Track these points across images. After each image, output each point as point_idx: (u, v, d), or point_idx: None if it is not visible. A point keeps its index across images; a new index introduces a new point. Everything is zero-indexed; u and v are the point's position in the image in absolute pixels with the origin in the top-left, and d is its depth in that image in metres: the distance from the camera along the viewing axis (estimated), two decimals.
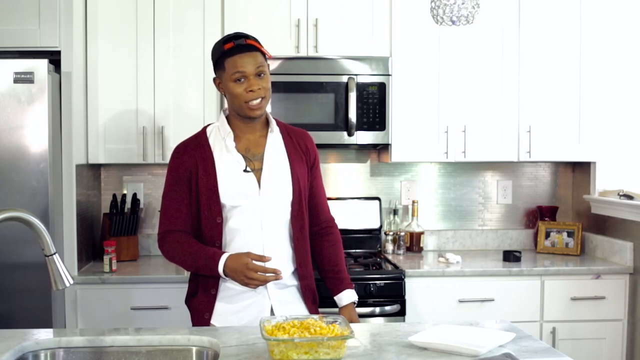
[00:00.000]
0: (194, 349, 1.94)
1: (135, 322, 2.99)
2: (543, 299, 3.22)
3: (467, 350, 1.76)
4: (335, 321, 1.80)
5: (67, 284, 1.84)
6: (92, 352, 1.94)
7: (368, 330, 2.07)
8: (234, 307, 2.24)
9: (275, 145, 2.29)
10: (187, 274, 3.18)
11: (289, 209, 2.27)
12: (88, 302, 3.04)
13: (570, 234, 3.63)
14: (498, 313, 3.14)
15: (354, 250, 3.63)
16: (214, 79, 2.30)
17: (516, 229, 3.86)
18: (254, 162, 2.25)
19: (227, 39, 2.25)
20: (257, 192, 2.23)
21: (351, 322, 2.20)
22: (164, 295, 3.04)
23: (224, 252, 2.18)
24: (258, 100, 2.20)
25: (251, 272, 2.13)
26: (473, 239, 3.83)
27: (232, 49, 2.21)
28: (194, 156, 2.28)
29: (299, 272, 2.31)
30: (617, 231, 3.45)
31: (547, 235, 3.68)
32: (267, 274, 2.16)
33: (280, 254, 2.24)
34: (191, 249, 2.22)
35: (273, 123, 2.30)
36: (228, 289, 2.25)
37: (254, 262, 2.15)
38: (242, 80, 2.19)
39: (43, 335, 1.98)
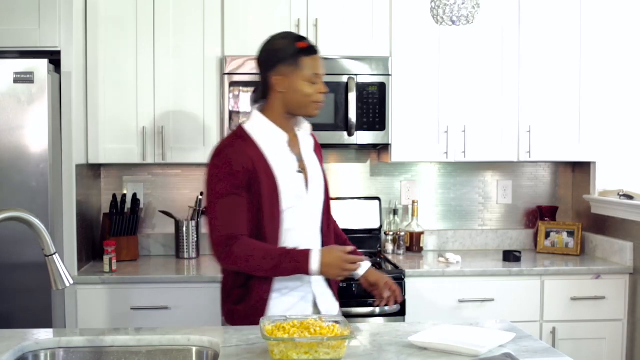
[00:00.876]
0: (194, 349, 1.94)
1: (135, 322, 2.99)
2: (543, 299, 3.22)
3: (467, 350, 1.76)
4: (335, 321, 1.80)
5: (67, 284, 1.84)
6: (92, 352, 1.94)
7: (368, 330, 2.07)
8: (285, 305, 2.21)
9: (305, 144, 2.32)
10: (191, 274, 3.19)
11: (322, 206, 2.32)
12: (88, 302, 3.04)
13: (570, 234, 3.63)
14: (498, 313, 3.14)
15: None
16: (271, 75, 2.26)
17: (516, 229, 3.86)
18: (302, 161, 2.27)
19: (296, 37, 2.28)
20: (305, 192, 2.25)
21: (379, 280, 2.27)
22: (164, 295, 3.04)
23: (311, 250, 2.13)
24: (322, 103, 2.28)
25: (347, 264, 2.15)
26: (473, 239, 3.83)
27: (309, 49, 2.24)
28: (249, 157, 2.18)
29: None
30: (617, 231, 3.44)
31: (547, 235, 3.68)
32: (357, 263, 2.20)
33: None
34: (270, 251, 2.14)
35: (303, 121, 2.32)
36: (280, 289, 2.21)
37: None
38: (316, 81, 2.24)
39: (43, 335, 1.98)
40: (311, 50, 2.25)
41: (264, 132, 2.24)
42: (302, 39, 2.28)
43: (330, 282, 2.33)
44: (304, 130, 2.33)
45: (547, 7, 3.46)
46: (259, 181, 2.16)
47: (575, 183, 3.85)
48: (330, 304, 2.31)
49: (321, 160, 2.38)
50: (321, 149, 2.41)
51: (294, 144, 2.28)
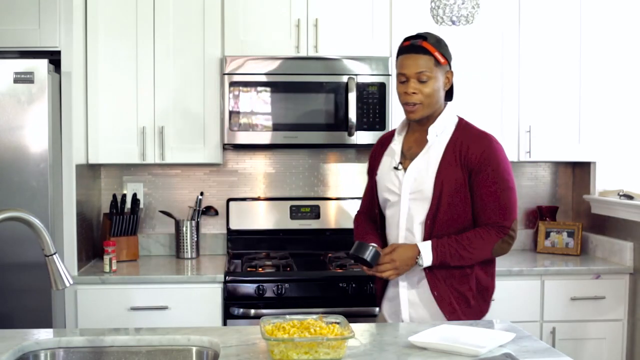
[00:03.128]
0: (194, 349, 1.95)
1: (135, 322, 2.99)
2: (543, 299, 3.22)
3: (467, 350, 1.76)
4: (336, 321, 1.80)
5: (67, 284, 1.84)
6: (92, 352, 1.94)
7: (368, 330, 2.07)
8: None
9: (435, 146, 2.28)
10: (191, 274, 3.19)
11: (426, 209, 2.25)
12: (88, 302, 3.04)
13: (570, 234, 3.62)
14: (498, 313, 3.13)
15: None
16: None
17: None
18: (408, 160, 2.30)
19: (408, 37, 2.30)
20: (399, 189, 2.29)
21: (395, 251, 2.21)
22: (164, 295, 3.04)
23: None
24: (412, 105, 2.25)
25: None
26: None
27: (405, 48, 2.26)
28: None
29: (427, 277, 2.27)
30: (617, 231, 3.44)
31: (547, 235, 3.68)
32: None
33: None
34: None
35: (435, 126, 2.28)
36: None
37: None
38: (404, 81, 2.25)
39: (43, 335, 1.98)
40: (407, 49, 2.26)
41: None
42: (411, 38, 2.28)
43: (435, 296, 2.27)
44: (433, 134, 2.28)
45: (547, 7, 3.46)
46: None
47: (575, 183, 3.85)
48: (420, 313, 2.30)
49: (476, 166, 2.22)
50: (484, 154, 2.24)
51: (420, 142, 2.31)
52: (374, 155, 2.48)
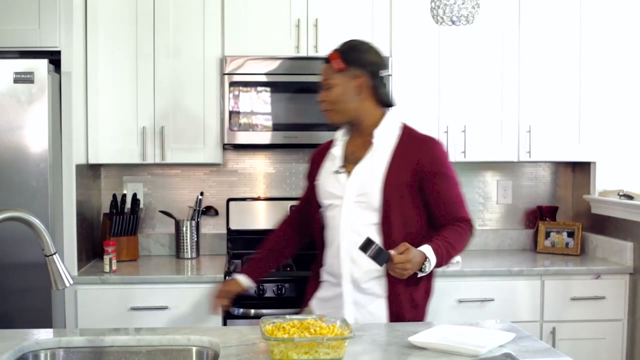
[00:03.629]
0: (194, 349, 1.95)
1: (135, 322, 2.99)
2: (543, 299, 3.22)
3: (467, 350, 1.76)
4: (335, 321, 1.81)
5: (67, 284, 1.84)
6: (92, 352, 1.94)
7: (368, 330, 2.07)
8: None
9: (380, 150, 2.27)
10: (191, 274, 3.18)
11: (375, 214, 2.23)
12: (88, 302, 3.04)
13: (570, 234, 3.63)
14: (498, 313, 3.14)
15: None
16: None
17: (516, 229, 3.86)
18: (352, 163, 2.29)
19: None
20: (342, 192, 2.27)
21: (405, 251, 2.07)
22: (164, 295, 3.04)
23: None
24: (325, 111, 2.31)
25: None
26: (473, 239, 3.81)
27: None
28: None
29: (386, 281, 2.25)
30: (617, 231, 3.44)
31: (547, 235, 3.68)
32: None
33: (359, 258, 2.16)
34: None
35: (380, 130, 2.28)
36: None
37: None
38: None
39: (43, 335, 1.98)
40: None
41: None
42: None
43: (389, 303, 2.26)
44: (378, 138, 2.28)
45: (547, 7, 3.46)
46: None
47: (575, 183, 3.85)
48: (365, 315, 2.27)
49: (428, 170, 2.23)
50: (433, 158, 2.26)
51: (363, 146, 2.30)
52: (314, 160, 2.46)
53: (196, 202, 3.57)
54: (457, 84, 3.44)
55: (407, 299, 2.26)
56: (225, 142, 3.30)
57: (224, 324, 3.01)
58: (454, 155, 3.44)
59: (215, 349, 1.90)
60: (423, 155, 2.24)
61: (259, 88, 3.30)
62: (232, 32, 3.33)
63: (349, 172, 2.28)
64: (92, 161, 3.31)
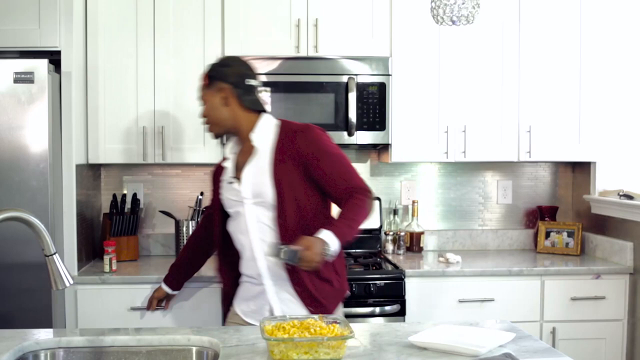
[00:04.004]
0: (194, 349, 1.95)
1: (135, 322, 2.99)
2: (543, 299, 3.22)
3: (467, 350, 1.76)
4: (335, 321, 1.81)
5: (67, 284, 1.84)
6: (92, 352, 1.94)
7: (368, 330, 2.07)
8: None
9: (262, 150, 2.39)
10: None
11: (272, 210, 2.35)
12: (88, 302, 3.04)
13: (570, 234, 3.63)
14: (498, 313, 3.14)
15: (354, 250, 3.63)
16: None
17: (516, 229, 3.87)
18: (241, 170, 2.42)
19: None
20: (240, 196, 2.40)
21: (309, 246, 2.17)
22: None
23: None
24: (206, 125, 2.49)
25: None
26: (473, 239, 3.83)
27: None
28: None
29: (289, 276, 2.35)
30: (617, 231, 3.45)
31: (547, 235, 3.68)
32: None
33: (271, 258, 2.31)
34: None
35: (256, 132, 2.40)
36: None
37: None
38: None
39: (43, 335, 1.98)
40: None
41: None
42: None
43: (299, 293, 2.36)
44: (256, 142, 2.40)
45: (547, 7, 3.46)
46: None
47: (575, 183, 3.85)
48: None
49: (308, 157, 2.33)
50: (308, 144, 2.34)
51: (247, 153, 2.43)
52: (214, 178, 2.59)
53: (196, 202, 3.57)
54: (457, 84, 3.44)
55: (316, 285, 2.35)
56: (225, 142, 3.30)
57: (224, 324, 3.01)
58: (454, 155, 3.44)
59: (215, 349, 1.90)
60: (299, 143, 2.35)
61: (259, 88, 3.29)
62: (232, 32, 3.33)
63: (240, 178, 2.41)
64: (92, 161, 3.31)
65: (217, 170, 2.58)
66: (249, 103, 2.42)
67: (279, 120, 2.47)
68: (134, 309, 3.02)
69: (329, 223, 2.28)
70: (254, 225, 2.37)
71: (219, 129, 2.47)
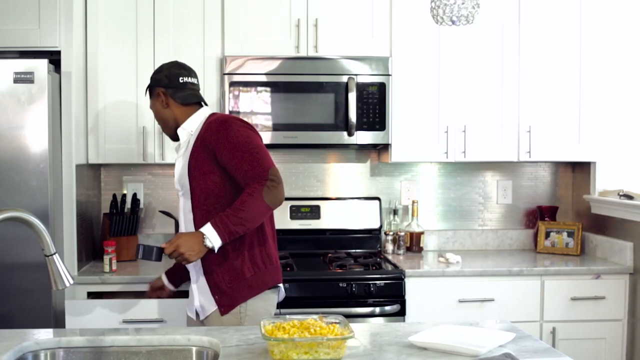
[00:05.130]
0: (194, 349, 1.95)
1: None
2: (543, 299, 3.22)
3: (467, 350, 1.76)
4: (336, 321, 1.80)
5: (67, 284, 1.84)
6: (92, 352, 1.94)
7: (368, 330, 2.07)
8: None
9: (187, 143, 2.53)
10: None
11: (191, 200, 2.48)
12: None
13: (570, 234, 3.63)
14: (498, 313, 3.14)
15: (354, 250, 3.63)
16: None
17: (516, 229, 3.86)
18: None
19: None
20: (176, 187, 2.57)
21: (179, 238, 2.35)
22: None
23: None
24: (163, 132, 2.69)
25: None
26: (473, 239, 3.83)
27: None
28: None
29: (203, 265, 2.47)
30: (617, 231, 3.44)
31: (547, 235, 3.68)
32: None
33: None
34: None
35: (182, 127, 2.55)
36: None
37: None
38: None
39: (43, 335, 1.98)
40: None
41: None
42: None
43: (209, 282, 2.47)
44: (182, 136, 2.57)
45: (547, 7, 3.46)
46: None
47: (575, 183, 3.85)
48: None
49: (214, 147, 2.41)
50: (214, 135, 2.42)
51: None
52: None
53: None
54: (457, 84, 3.44)
55: (227, 277, 2.44)
56: None
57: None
58: (454, 155, 3.44)
59: (215, 349, 1.90)
60: (209, 134, 2.44)
61: (259, 88, 3.30)
62: (232, 32, 3.33)
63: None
64: (92, 161, 3.31)
65: None
66: (183, 99, 2.56)
67: (210, 112, 2.59)
68: (126, 321, 2.93)
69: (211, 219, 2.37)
70: (182, 215, 2.53)
71: (169, 130, 2.62)
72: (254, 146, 2.41)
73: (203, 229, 2.33)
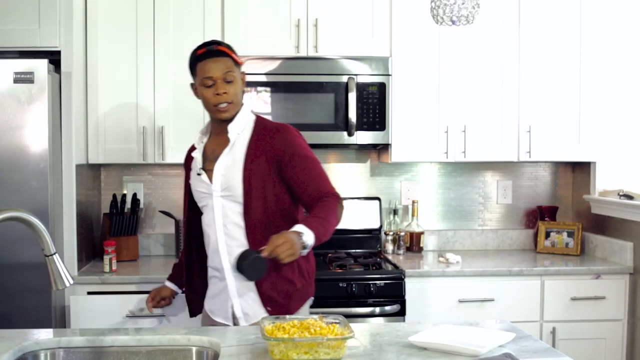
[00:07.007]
0: (194, 349, 1.95)
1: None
2: (543, 299, 3.22)
3: (467, 350, 1.76)
4: (336, 321, 1.81)
5: (67, 284, 1.84)
6: (92, 352, 1.94)
7: (368, 330, 2.07)
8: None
9: (238, 143, 2.36)
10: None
11: (239, 205, 2.32)
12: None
13: (570, 234, 3.63)
14: (498, 313, 3.14)
15: (354, 250, 3.63)
16: (191, 85, 2.45)
17: (516, 229, 3.87)
18: (213, 162, 2.37)
19: (201, 46, 2.39)
20: (209, 189, 2.36)
21: (281, 235, 2.11)
22: None
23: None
24: (224, 104, 2.33)
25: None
26: (473, 239, 3.83)
27: (203, 54, 2.35)
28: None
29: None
30: (617, 231, 3.45)
31: (547, 235, 3.68)
32: None
33: (235, 251, 2.26)
34: None
35: (234, 124, 2.35)
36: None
37: None
38: (211, 84, 2.32)
39: (43, 335, 1.98)
40: (205, 55, 2.35)
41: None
42: (204, 45, 2.39)
43: (261, 296, 2.33)
44: (233, 133, 2.35)
45: (547, 7, 3.46)
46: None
47: (575, 183, 3.85)
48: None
49: (283, 156, 2.30)
50: (285, 144, 2.32)
51: (222, 144, 2.38)
52: (186, 165, 2.56)
53: None
54: (457, 84, 3.44)
55: (279, 285, 2.32)
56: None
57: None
58: (454, 155, 3.44)
59: (215, 349, 1.90)
60: (276, 143, 2.33)
61: (259, 88, 3.30)
62: (232, 32, 3.33)
63: (210, 171, 2.37)
64: (92, 161, 3.31)
65: (189, 156, 2.54)
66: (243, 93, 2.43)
67: (255, 115, 2.45)
68: (128, 316, 2.91)
69: (300, 222, 2.22)
70: (220, 218, 2.35)
71: (235, 112, 2.37)
72: (318, 162, 2.36)
73: (297, 228, 2.14)
